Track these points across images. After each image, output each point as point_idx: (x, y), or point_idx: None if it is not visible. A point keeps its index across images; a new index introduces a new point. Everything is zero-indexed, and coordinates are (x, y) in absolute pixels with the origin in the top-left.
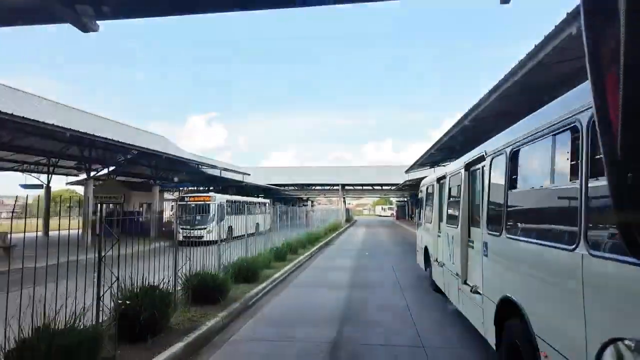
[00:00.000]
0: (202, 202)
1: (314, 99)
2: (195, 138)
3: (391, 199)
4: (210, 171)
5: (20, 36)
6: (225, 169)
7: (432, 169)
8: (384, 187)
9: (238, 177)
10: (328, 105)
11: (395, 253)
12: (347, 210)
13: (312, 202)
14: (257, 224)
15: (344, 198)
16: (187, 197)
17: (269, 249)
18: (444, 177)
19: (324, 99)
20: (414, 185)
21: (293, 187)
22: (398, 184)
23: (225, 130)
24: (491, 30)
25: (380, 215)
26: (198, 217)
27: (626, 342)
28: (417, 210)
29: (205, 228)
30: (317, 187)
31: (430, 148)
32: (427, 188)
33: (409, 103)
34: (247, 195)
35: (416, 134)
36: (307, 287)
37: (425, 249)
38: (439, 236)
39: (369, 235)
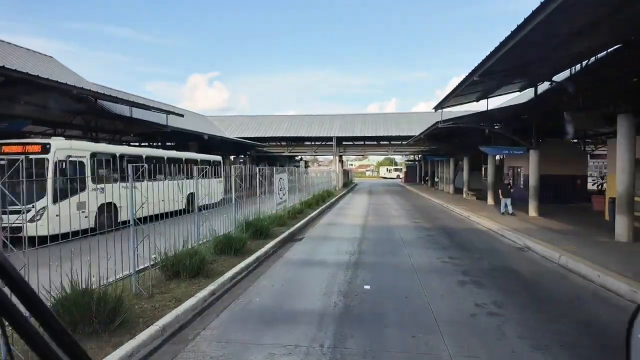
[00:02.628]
0: (24, 156)
1: (318, 58)
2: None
3: (396, 159)
4: (111, 107)
5: None
6: (138, 104)
7: (484, 100)
8: (392, 142)
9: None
10: (332, 65)
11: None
12: (346, 173)
13: (306, 162)
14: (191, 194)
15: (340, 156)
16: None
17: None
18: None
19: (329, 58)
20: (441, 136)
21: (273, 144)
22: (412, 137)
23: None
24: None
25: (385, 177)
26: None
27: None
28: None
29: (26, 210)
30: (306, 143)
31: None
32: None
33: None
34: (215, 153)
35: (422, 94)
36: None
37: None
38: None
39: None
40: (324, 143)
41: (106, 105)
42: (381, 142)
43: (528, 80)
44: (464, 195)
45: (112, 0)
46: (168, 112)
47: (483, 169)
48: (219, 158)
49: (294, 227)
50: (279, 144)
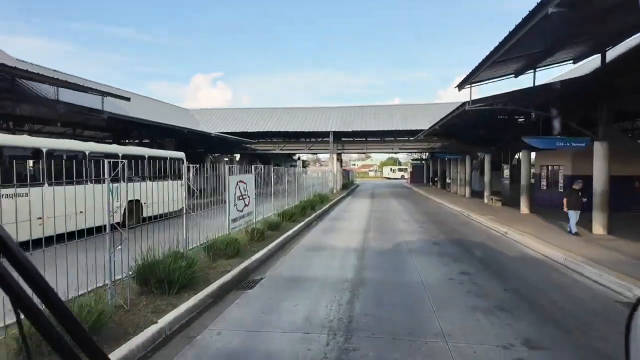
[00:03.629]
0: None
1: (320, 59)
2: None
3: (400, 158)
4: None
5: None
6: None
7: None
8: (398, 139)
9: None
10: (332, 65)
11: None
12: (347, 173)
13: (304, 162)
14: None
15: (338, 154)
16: None
17: None
18: None
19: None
20: (459, 127)
21: (264, 140)
22: (422, 131)
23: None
24: None
25: (389, 178)
26: None
27: None
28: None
29: None
30: (301, 139)
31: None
32: None
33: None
34: (197, 150)
35: (423, 93)
36: None
37: None
38: None
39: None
40: (320, 139)
41: (35, 87)
42: (385, 139)
43: (592, 42)
44: (486, 200)
45: (113, 1)
46: (105, 94)
47: (503, 168)
48: (179, 154)
49: (254, 256)
50: (269, 140)
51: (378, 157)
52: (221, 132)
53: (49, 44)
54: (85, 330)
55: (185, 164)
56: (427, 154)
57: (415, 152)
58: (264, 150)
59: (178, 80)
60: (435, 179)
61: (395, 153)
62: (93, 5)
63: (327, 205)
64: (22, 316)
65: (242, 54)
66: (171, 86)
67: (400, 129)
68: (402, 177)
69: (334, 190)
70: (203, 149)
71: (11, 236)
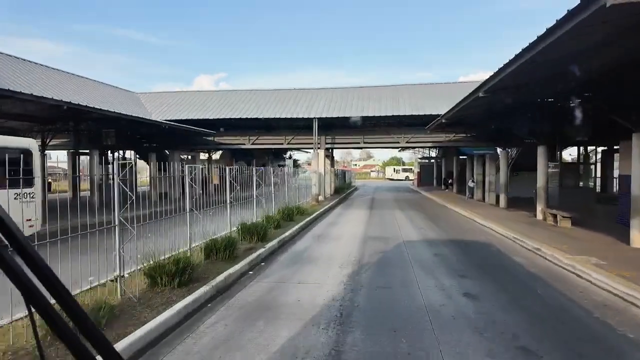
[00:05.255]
0: None
1: (322, 60)
2: None
3: (404, 158)
4: None
5: None
6: None
7: None
8: (405, 123)
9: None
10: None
11: None
12: (343, 173)
13: (295, 162)
14: None
15: (329, 149)
16: None
17: None
18: None
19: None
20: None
21: (232, 133)
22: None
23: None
24: None
25: (392, 179)
26: None
27: None
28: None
29: None
30: (282, 131)
31: None
32: None
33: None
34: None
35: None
36: None
37: None
38: None
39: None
40: (305, 130)
41: None
42: (389, 130)
43: None
44: (540, 216)
45: (115, 2)
46: None
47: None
48: (23, 144)
49: None
50: (240, 133)
51: (380, 157)
52: (169, 120)
53: (51, 46)
54: (94, 323)
55: (37, 157)
56: (437, 151)
57: (430, 145)
58: (228, 145)
59: (180, 81)
60: (450, 181)
61: (401, 149)
62: (98, 7)
63: (298, 225)
64: (33, 310)
65: (244, 54)
66: (176, 87)
67: (410, 113)
68: (407, 178)
69: (320, 199)
70: (156, 144)
71: (20, 229)
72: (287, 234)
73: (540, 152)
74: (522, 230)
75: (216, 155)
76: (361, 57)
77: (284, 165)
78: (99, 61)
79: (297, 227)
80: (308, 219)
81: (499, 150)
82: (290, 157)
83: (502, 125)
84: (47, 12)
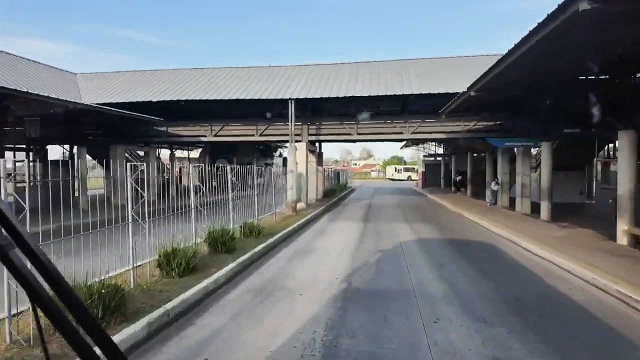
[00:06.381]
0: None
1: (322, 60)
2: None
3: (405, 157)
4: None
5: None
6: None
7: None
8: (409, 119)
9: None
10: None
11: None
12: (336, 173)
13: (285, 160)
14: None
15: (313, 142)
16: None
17: None
18: None
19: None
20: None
21: (192, 124)
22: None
23: None
24: None
25: (393, 179)
26: None
27: None
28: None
29: None
30: (250, 119)
31: None
32: None
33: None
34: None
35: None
36: None
37: None
38: None
39: None
40: (281, 118)
41: None
42: (391, 115)
43: None
44: (625, 239)
45: (115, 2)
46: None
47: (596, 166)
48: None
49: None
50: (201, 123)
51: (381, 155)
52: (101, 104)
53: (50, 46)
54: (95, 320)
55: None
56: (444, 147)
57: (443, 136)
58: (184, 138)
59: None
60: (461, 180)
61: (404, 146)
62: (98, 7)
63: (233, 264)
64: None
65: (244, 54)
66: None
67: (418, 92)
68: (409, 178)
69: (299, 206)
70: (94, 137)
71: (24, 227)
72: (209, 289)
73: (624, 140)
74: (618, 272)
75: (195, 154)
76: (361, 58)
77: (271, 164)
78: (99, 61)
79: (216, 275)
80: (259, 247)
81: (543, 143)
82: (280, 155)
83: (561, 100)
84: (47, 12)
